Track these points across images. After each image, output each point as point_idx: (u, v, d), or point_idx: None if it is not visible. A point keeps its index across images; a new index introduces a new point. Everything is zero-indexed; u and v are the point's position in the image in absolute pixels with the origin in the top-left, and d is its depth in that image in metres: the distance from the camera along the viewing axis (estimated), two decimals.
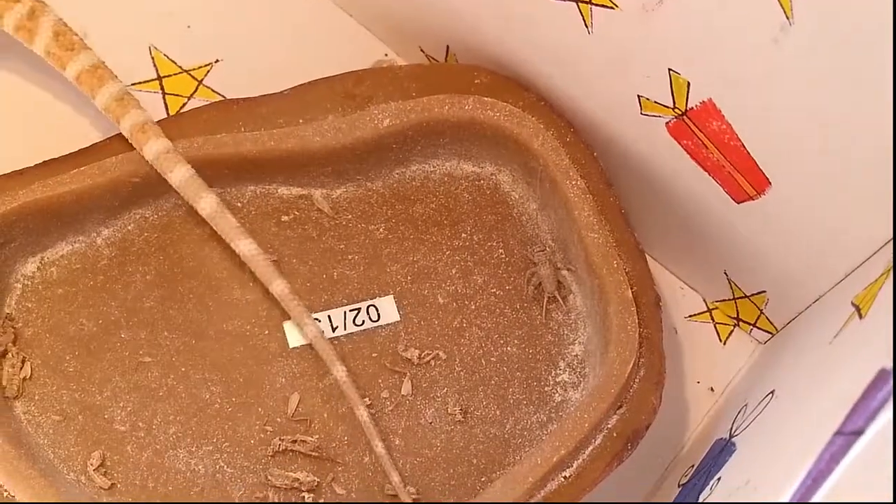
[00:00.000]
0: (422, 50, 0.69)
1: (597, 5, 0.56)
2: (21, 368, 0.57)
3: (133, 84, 0.66)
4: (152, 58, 0.67)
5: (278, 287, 0.57)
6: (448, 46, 0.67)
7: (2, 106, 0.64)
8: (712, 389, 0.67)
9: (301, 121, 0.61)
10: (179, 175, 0.57)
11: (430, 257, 0.62)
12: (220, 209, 0.57)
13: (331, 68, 0.63)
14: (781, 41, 0.50)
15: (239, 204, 0.61)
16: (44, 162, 0.58)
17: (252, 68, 0.67)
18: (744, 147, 0.56)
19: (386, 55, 0.70)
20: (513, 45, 0.63)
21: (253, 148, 0.59)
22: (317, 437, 0.58)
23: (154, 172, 0.58)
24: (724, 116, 0.56)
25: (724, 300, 0.68)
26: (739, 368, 0.67)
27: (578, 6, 0.57)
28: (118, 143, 0.59)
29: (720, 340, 0.68)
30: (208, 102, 0.62)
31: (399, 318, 0.61)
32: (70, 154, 0.59)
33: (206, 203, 0.57)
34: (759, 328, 0.68)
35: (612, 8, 0.55)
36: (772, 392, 0.57)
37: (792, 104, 0.52)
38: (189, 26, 0.68)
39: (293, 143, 0.59)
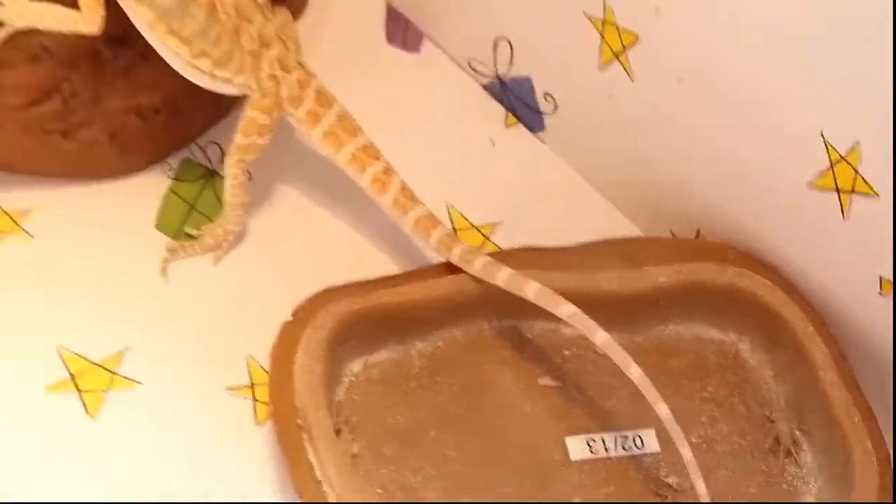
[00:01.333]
0: (671, 232, 0.79)
1: (857, 193, 0.64)
2: (351, 446, 0.65)
3: None
4: (448, 212, 0.78)
5: (636, 372, 0.64)
6: (699, 230, 0.77)
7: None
8: None
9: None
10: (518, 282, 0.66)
11: (684, 403, 0.71)
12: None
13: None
14: None
15: (529, 335, 0.71)
16: (385, 276, 0.68)
17: (523, 232, 0.78)
18: None
19: None
20: (763, 229, 0.71)
21: (559, 286, 0.68)
22: None
23: (475, 292, 0.68)
24: None
25: None
26: None
27: (839, 196, 0.65)
28: (446, 268, 0.69)
29: None
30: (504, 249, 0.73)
31: (659, 450, 0.69)
32: (408, 272, 0.69)
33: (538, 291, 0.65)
34: None
35: (872, 196, 0.63)
36: None
37: None
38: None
39: (589, 287, 0.69)
